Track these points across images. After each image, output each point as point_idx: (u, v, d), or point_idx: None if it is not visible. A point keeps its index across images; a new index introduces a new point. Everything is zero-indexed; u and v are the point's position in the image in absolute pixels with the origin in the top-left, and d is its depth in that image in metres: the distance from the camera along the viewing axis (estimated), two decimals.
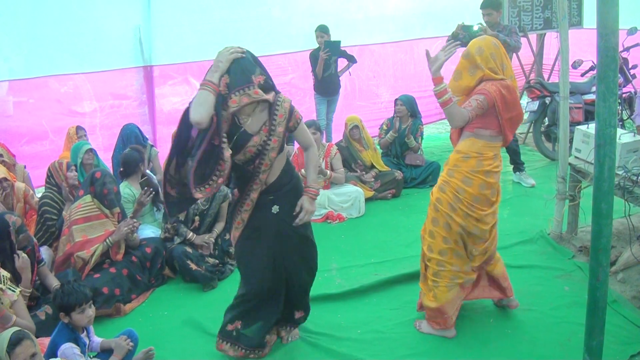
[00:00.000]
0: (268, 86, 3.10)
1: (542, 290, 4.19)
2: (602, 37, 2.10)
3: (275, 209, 3.29)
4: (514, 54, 7.69)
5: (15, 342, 2.68)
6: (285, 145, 3.30)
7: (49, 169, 4.98)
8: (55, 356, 3.01)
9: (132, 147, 5.30)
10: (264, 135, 3.12)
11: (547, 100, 7.06)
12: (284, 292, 3.51)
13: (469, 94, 3.45)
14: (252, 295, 3.43)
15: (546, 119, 7.23)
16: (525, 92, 7.67)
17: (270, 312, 3.52)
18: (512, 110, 3.42)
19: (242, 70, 2.99)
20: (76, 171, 4.95)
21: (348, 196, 5.98)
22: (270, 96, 3.10)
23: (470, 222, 3.49)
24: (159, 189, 5.01)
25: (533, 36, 8.20)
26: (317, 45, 7.08)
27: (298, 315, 3.72)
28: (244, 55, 3.03)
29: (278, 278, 3.44)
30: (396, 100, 6.89)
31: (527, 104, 7.41)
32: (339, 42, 6.95)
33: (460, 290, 3.65)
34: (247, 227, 3.33)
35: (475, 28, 5.88)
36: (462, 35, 5.92)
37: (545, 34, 8.24)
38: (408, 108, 6.75)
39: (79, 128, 5.85)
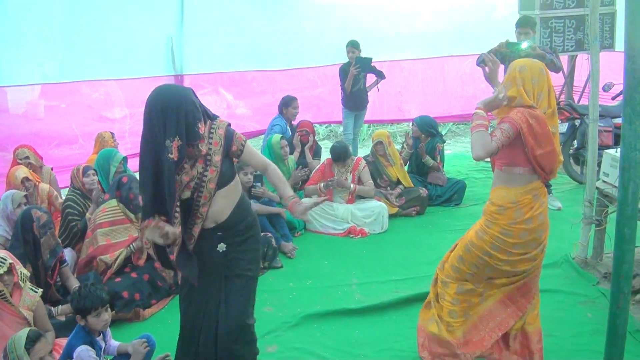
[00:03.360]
0: (202, 118, 2.84)
1: (565, 316, 4.10)
2: (630, 59, 2.07)
3: (221, 247, 2.99)
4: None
5: (34, 338, 2.72)
6: (239, 176, 3.09)
7: (71, 172, 5.07)
8: (71, 358, 3.04)
9: None
10: (200, 166, 2.88)
11: (577, 122, 6.96)
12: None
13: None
14: (184, 340, 3.27)
15: (575, 141, 7.12)
16: None
17: None
18: (543, 145, 3.05)
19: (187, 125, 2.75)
20: (94, 176, 4.99)
21: (371, 211, 5.96)
22: (203, 128, 2.84)
23: (509, 265, 3.24)
24: None
25: (564, 58, 8.11)
26: (347, 60, 7.12)
27: None
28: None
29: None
30: (412, 121, 6.95)
31: None
32: (369, 59, 6.98)
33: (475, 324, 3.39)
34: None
35: (524, 46, 5.77)
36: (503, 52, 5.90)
37: (576, 55, 8.15)
38: (421, 129, 6.74)
39: (112, 133, 5.96)
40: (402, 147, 7.05)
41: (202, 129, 2.80)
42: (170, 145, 2.66)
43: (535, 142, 3.03)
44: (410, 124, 6.96)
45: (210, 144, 2.88)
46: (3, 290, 3.18)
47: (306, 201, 3.11)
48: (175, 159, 2.69)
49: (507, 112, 3.12)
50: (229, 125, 2.98)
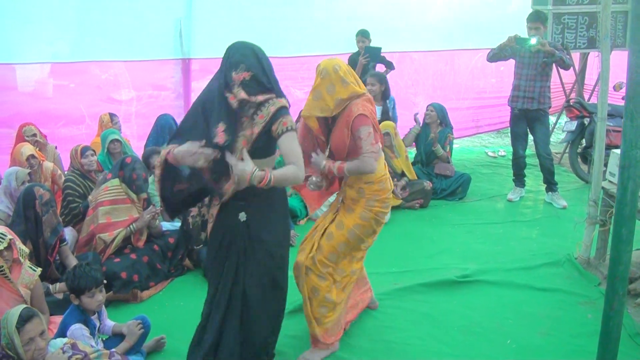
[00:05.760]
0: (258, 85, 2.81)
1: (564, 315, 4.06)
2: (634, 54, 2.02)
3: (242, 216, 2.96)
4: (556, 72, 7.53)
5: (25, 318, 2.68)
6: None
7: (70, 153, 5.08)
8: (65, 336, 3.05)
9: (149, 150, 5.29)
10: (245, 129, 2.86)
11: (586, 121, 6.89)
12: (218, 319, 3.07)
13: (337, 120, 3.40)
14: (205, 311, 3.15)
15: (584, 140, 7.05)
16: (564, 111, 7.51)
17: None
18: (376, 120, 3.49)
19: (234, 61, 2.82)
20: (92, 156, 5.03)
21: None
22: (256, 97, 2.81)
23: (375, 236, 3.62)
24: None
25: (576, 55, 8.02)
26: (356, 49, 7.07)
27: None
28: None
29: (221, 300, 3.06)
30: (428, 105, 6.86)
31: (565, 124, 7.25)
32: (379, 49, 6.91)
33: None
34: (213, 230, 3.06)
35: (533, 41, 5.75)
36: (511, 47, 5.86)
37: (588, 53, 8.06)
38: (439, 115, 6.68)
39: (112, 115, 5.95)
40: (410, 131, 6.96)
41: (260, 97, 2.80)
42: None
43: (375, 120, 3.44)
44: (426, 108, 6.85)
45: (256, 115, 2.84)
46: (2, 266, 3.18)
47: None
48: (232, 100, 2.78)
49: (348, 106, 3.33)
50: (284, 108, 2.88)
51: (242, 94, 2.77)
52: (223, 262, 3.03)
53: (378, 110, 6.53)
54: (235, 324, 3.04)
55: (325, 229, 3.55)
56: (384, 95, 6.63)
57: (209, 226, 3.10)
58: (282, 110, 2.85)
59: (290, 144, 2.86)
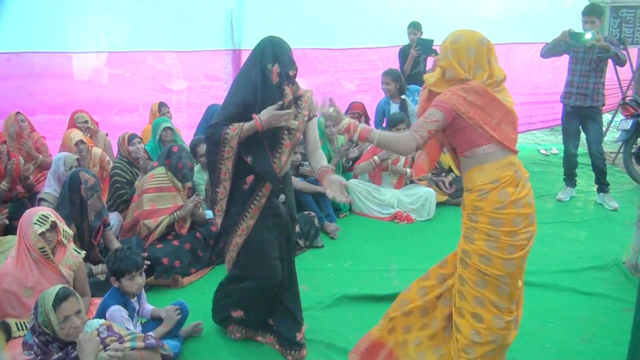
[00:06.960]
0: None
1: (608, 322, 3.94)
2: None
3: (282, 197, 3.32)
4: (613, 68, 7.28)
5: (62, 297, 2.75)
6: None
7: (118, 140, 5.21)
8: (104, 317, 3.13)
9: (197, 139, 5.35)
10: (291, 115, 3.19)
11: None
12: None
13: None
14: (262, 287, 3.37)
15: (639, 139, 6.78)
16: (619, 109, 7.24)
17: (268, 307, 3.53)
18: (494, 112, 2.67)
19: (288, 62, 3.12)
20: (140, 144, 5.13)
21: (418, 197, 5.88)
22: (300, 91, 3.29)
23: (513, 266, 2.70)
24: None
25: (634, 50, 7.72)
26: (408, 42, 7.00)
27: (300, 336, 3.49)
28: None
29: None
30: None
31: (620, 122, 7.00)
32: (431, 41, 6.82)
33: None
34: (262, 214, 3.25)
35: (588, 36, 5.57)
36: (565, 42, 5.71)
37: None
38: None
39: (161, 105, 6.08)
40: None
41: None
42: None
43: (485, 114, 2.66)
44: None
45: (300, 100, 3.27)
46: (44, 247, 3.30)
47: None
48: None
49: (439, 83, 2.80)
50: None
51: (299, 90, 3.26)
52: (281, 241, 3.38)
53: (396, 107, 6.49)
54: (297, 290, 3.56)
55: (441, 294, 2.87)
56: (400, 92, 6.58)
57: (254, 217, 3.26)
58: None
59: (316, 129, 3.39)
